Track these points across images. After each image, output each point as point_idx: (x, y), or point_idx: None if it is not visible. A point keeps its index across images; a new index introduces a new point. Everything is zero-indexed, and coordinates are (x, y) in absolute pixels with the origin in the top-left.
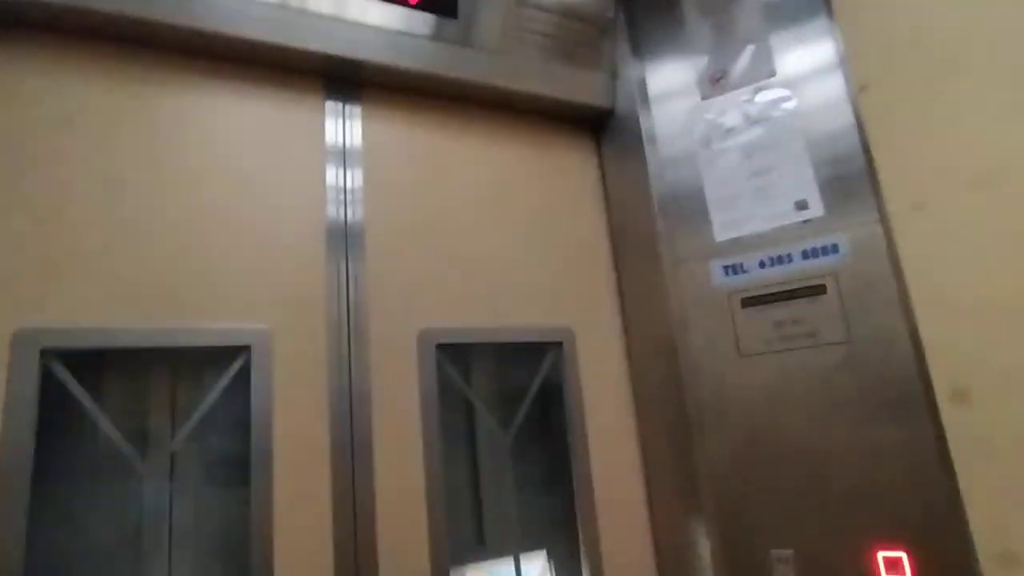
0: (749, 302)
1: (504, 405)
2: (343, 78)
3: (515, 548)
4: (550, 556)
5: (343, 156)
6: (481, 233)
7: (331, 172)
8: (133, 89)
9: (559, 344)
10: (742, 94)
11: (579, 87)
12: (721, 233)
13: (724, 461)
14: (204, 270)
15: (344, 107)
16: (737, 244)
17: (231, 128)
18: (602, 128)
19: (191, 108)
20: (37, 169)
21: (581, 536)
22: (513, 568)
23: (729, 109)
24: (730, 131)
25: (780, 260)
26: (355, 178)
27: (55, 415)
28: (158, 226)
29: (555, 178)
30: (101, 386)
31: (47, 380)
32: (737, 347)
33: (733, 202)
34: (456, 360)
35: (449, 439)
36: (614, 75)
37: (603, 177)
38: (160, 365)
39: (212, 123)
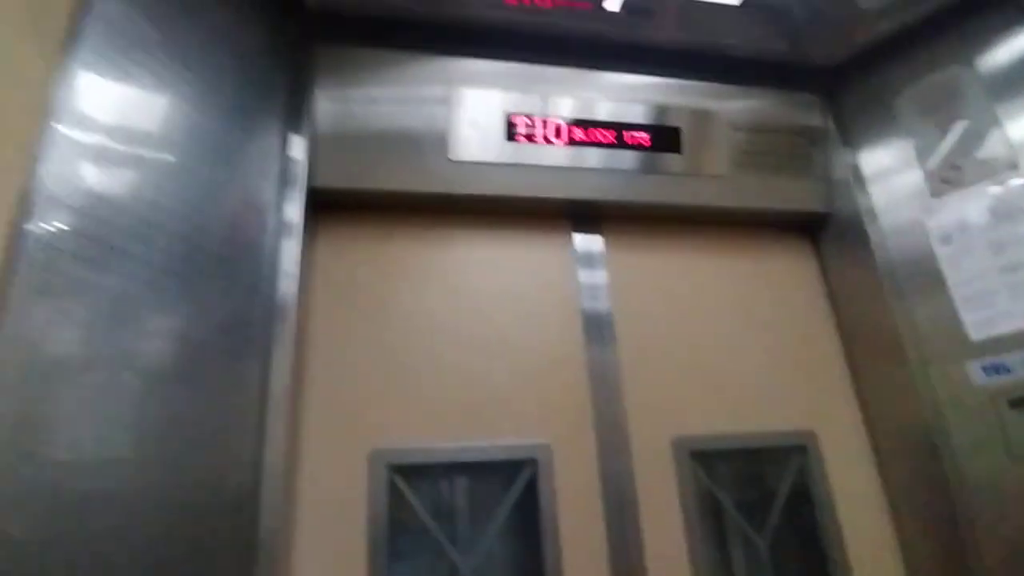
0: (1019, 403)
1: (754, 509)
2: (587, 215)
3: None
4: None
5: (591, 279)
6: (718, 342)
7: (584, 293)
8: (434, 245)
9: (803, 448)
10: (981, 188)
11: (795, 196)
12: (976, 332)
13: (1006, 566)
14: (495, 391)
15: (589, 238)
16: (997, 342)
17: (505, 266)
18: (820, 231)
19: (475, 253)
20: (375, 315)
21: None
22: None
23: (968, 205)
24: (972, 227)
25: None
26: (604, 303)
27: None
28: (460, 354)
29: (780, 283)
30: (417, 490)
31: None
32: (1009, 450)
33: (986, 299)
34: (707, 465)
35: (708, 542)
36: (828, 180)
37: (825, 278)
38: (460, 475)
39: (491, 263)
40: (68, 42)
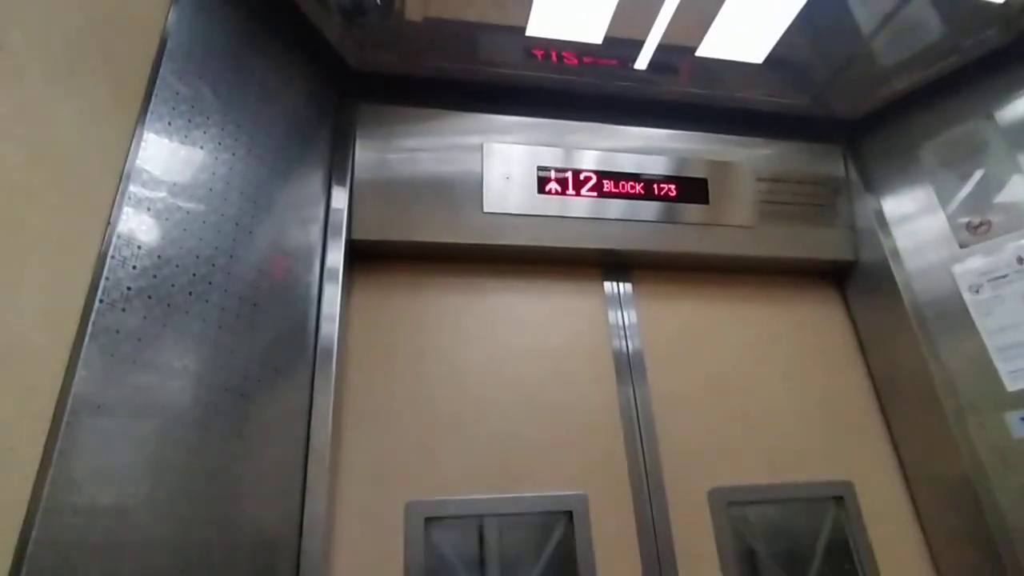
0: None
1: (792, 560)
2: (617, 264)
3: None
4: None
5: (622, 328)
6: (748, 390)
7: (617, 346)
8: (467, 295)
9: (840, 498)
10: (1010, 239)
11: (821, 244)
12: (1013, 382)
13: None
14: (529, 441)
15: (619, 287)
16: None
17: (536, 315)
18: (847, 278)
19: (507, 303)
20: (409, 366)
21: None
22: None
23: (997, 255)
24: (1004, 277)
25: None
26: (637, 350)
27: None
28: (494, 404)
29: (810, 330)
30: (453, 543)
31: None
32: None
33: (1022, 350)
34: (742, 514)
35: None
36: (853, 227)
37: (855, 325)
38: (496, 527)
39: (523, 312)
40: (142, 110)
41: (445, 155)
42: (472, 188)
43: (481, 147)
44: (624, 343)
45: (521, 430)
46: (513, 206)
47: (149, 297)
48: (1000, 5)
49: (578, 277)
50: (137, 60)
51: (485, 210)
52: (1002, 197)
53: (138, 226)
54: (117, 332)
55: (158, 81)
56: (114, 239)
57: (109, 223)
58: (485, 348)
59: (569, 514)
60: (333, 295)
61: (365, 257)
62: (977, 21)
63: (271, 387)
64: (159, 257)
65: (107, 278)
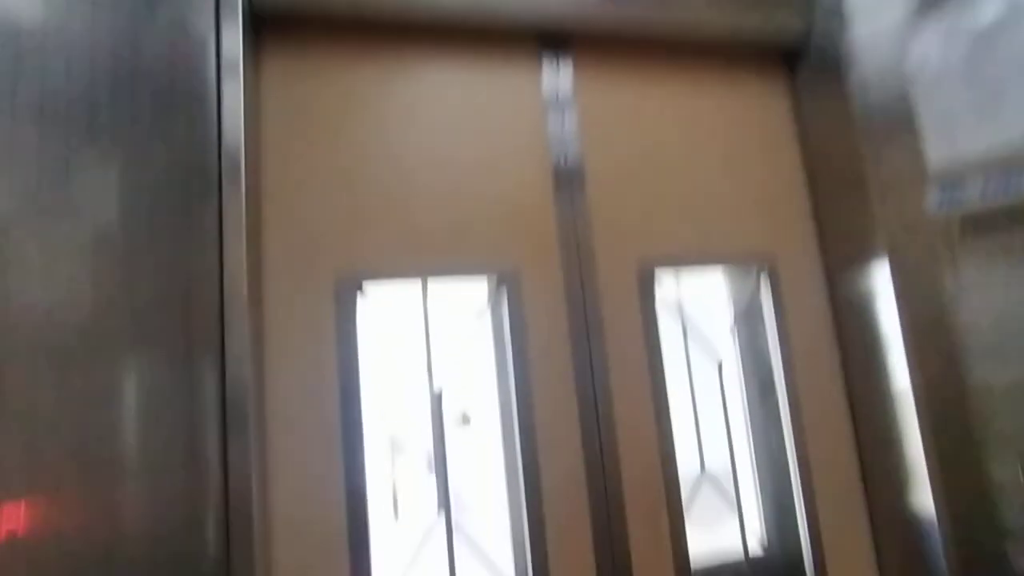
0: (971, 226)
1: (713, 328)
2: (554, 35)
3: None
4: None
5: (560, 106)
6: (685, 171)
7: (551, 120)
8: (394, 65)
9: (762, 270)
10: (962, 10)
11: (773, 16)
12: (937, 156)
13: (938, 383)
14: (459, 218)
15: (557, 61)
16: (957, 166)
17: (467, 92)
18: (797, 58)
19: (436, 77)
20: (337, 137)
21: (791, 455)
22: None
23: (947, 28)
24: (950, 51)
25: (1010, 183)
26: (571, 125)
27: None
28: (424, 179)
29: (750, 112)
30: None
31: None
32: (957, 273)
33: (953, 122)
34: (670, 283)
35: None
36: (811, 4)
37: (798, 107)
38: (429, 299)
39: (452, 88)
40: None
41: None
42: None
43: None
44: (560, 118)
45: (452, 206)
46: None
47: None
48: None
49: (513, 54)
50: None
51: None
52: None
53: None
54: None
55: None
56: None
57: None
58: (414, 122)
59: (503, 287)
60: (232, 75)
61: (272, 32)
62: None
63: (171, 189)
64: None
65: None
